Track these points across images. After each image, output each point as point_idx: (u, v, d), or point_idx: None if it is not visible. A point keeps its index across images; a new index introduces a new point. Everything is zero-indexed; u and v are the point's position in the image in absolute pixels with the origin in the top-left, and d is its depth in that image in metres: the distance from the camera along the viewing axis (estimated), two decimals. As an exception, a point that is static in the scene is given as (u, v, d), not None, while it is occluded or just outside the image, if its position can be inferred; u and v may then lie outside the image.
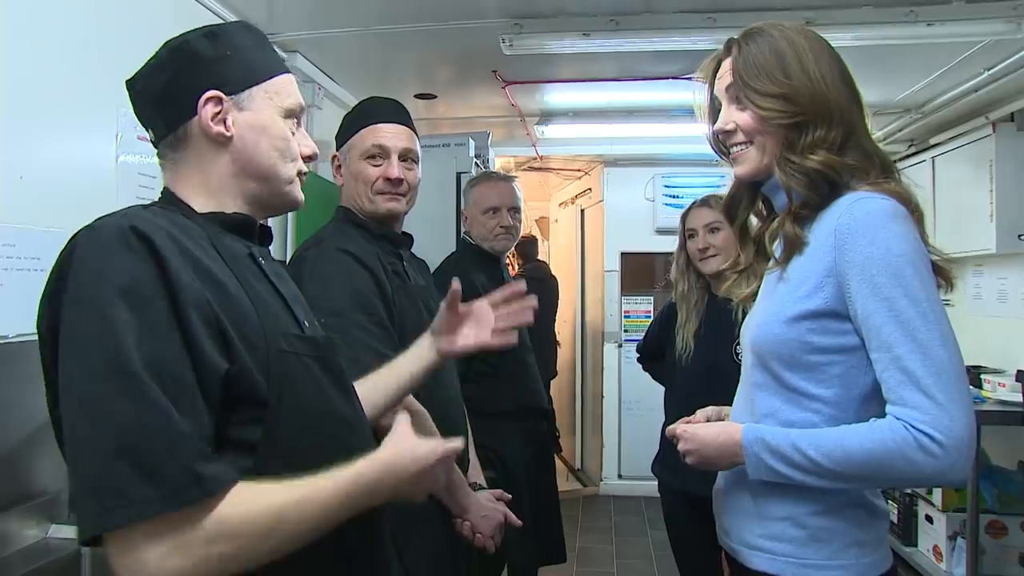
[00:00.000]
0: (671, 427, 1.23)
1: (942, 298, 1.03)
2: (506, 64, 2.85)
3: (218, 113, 0.94)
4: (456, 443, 0.93)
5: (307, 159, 1.04)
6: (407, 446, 0.90)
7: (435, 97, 3.47)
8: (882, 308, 0.99)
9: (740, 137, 1.14)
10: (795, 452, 1.03)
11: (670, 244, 2.49)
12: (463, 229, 2.45)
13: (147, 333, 0.76)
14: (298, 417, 0.89)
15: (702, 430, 1.17)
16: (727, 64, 1.15)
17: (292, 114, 1.01)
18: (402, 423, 0.94)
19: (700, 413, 1.31)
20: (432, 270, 2.15)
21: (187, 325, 0.78)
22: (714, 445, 1.14)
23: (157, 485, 0.72)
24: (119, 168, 1.70)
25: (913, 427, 0.96)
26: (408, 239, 1.72)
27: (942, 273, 1.07)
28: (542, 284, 5.24)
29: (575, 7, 2.39)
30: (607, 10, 2.38)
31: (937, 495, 3.19)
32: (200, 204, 0.95)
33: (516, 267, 5.69)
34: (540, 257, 5.87)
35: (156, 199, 0.98)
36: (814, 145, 1.07)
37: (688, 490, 2.01)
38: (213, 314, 0.81)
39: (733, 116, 1.14)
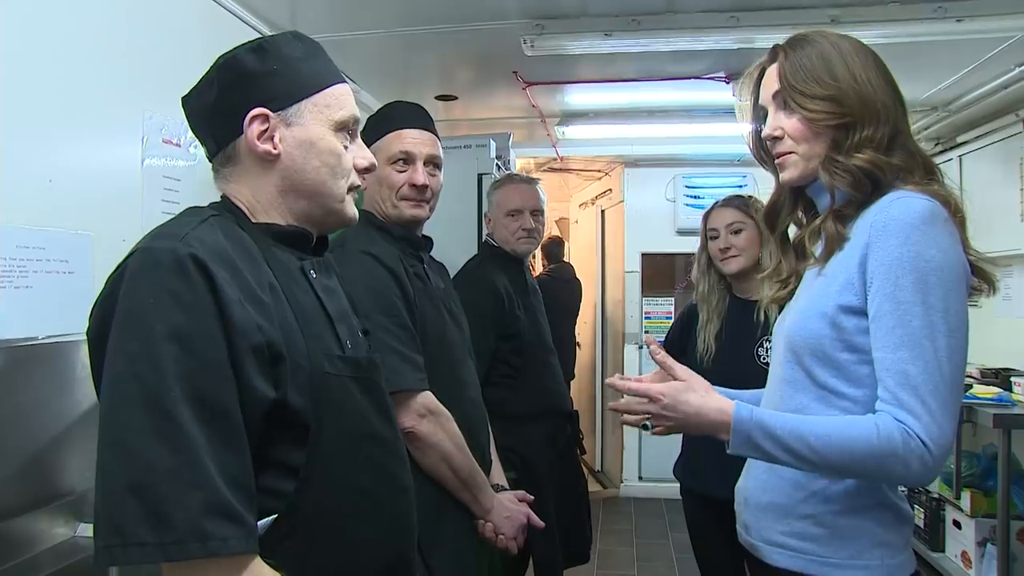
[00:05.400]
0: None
1: (979, 300, 1.02)
2: (527, 65, 2.84)
3: (265, 131, 0.91)
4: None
5: (364, 171, 1.00)
6: None
7: (456, 98, 3.48)
8: (899, 310, 0.99)
9: (787, 145, 1.14)
10: (798, 441, 1.01)
11: (691, 245, 2.47)
12: (485, 231, 2.45)
13: (196, 368, 0.74)
14: (338, 441, 0.88)
15: (690, 407, 1.09)
16: (773, 71, 1.16)
17: (344, 127, 0.97)
18: None
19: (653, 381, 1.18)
20: (454, 272, 2.15)
21: (238, 358, 0.77)
22: (695, 423, 1.09)
23: (159, 531, 0.69)
24: (145, 171, 1.72)
25: (914, 432, 0.97)
26: (428, 242, 1.72)
27: (983, 275, 1.07)
28: (564, 286, 5.23)
29: (597, 8, 2.37)
30: (629, 10, 2.37)
31: (965, 500, 3.12)
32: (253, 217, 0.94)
33: (542, 267, 5.68)
34: (564, 259, 5.85)
35: (215, 201, 0.96)
36: (860, 145, 1.07)
37: (710, 493, 1.99)
38: (264, 341, 0.80)
39: (781, 122, 1.14)
